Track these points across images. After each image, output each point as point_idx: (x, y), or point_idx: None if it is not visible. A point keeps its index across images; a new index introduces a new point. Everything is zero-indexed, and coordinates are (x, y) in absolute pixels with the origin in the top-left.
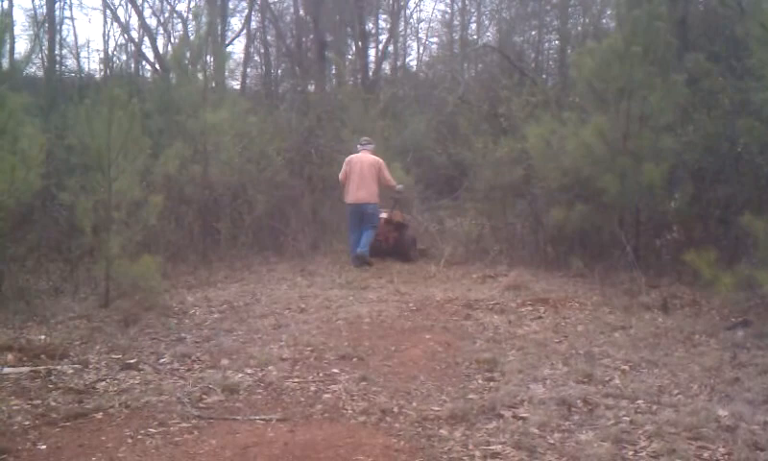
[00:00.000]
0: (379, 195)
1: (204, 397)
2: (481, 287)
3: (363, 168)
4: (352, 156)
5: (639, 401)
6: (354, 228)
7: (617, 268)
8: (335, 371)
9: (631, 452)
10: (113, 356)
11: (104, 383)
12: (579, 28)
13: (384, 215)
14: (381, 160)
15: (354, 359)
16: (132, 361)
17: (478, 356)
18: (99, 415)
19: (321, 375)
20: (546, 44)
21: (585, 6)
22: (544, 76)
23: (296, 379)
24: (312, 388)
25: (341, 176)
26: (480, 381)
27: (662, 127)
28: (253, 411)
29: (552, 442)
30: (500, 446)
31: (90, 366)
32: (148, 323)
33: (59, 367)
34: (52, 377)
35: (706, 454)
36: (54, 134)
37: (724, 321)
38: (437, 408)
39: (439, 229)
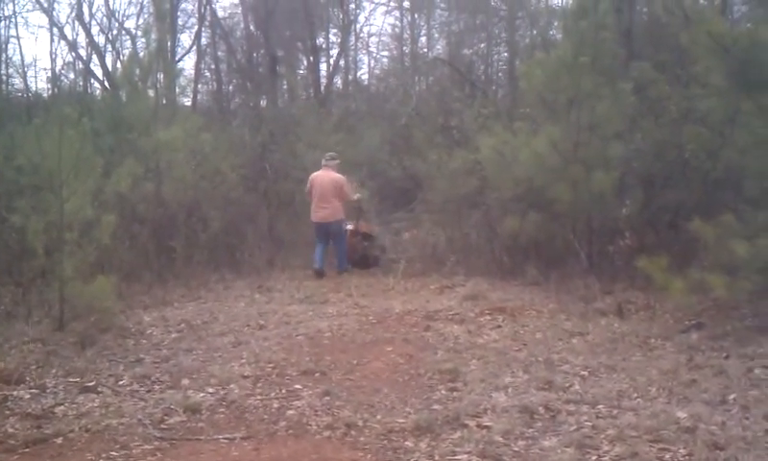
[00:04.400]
0: (344, 208)
1: (166, 418)
2: (439, 298)
3: (324, 187)
4: (315, 173)
5: (600, 406)
6: (319, 241)
7: (572, 275)
8: (298, 386)
9: (594, 457)
10: (71, 380)
11: (62, 407)
12: (527, 40)
13: (350, 227)
14: (342, 178)
15: (317, 374)
16: (90, 384)
17: (440, 367)
18: (59, 440)
19: (283, 391)
20: (495, 56)
21: (532, 18)
22: (494, 87)
23: (258, 397)
24: (275, 405)
25: (306, 193)
26: (443, 392)
27: (611, 135)
28: (216, 431)
29: (517, 449)
30: (466, 455)
31: (48, 390)
32: (105, 344)
33: (15, 392)
34: (8, 403)
35: (667, 456)
36: (2, 155)
37: (678, 324)
38: (401, 420)
39: (395, 241)
